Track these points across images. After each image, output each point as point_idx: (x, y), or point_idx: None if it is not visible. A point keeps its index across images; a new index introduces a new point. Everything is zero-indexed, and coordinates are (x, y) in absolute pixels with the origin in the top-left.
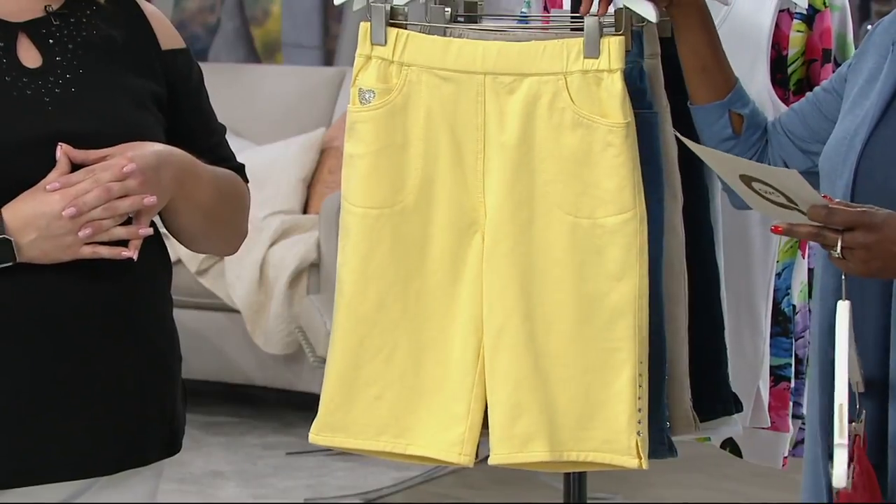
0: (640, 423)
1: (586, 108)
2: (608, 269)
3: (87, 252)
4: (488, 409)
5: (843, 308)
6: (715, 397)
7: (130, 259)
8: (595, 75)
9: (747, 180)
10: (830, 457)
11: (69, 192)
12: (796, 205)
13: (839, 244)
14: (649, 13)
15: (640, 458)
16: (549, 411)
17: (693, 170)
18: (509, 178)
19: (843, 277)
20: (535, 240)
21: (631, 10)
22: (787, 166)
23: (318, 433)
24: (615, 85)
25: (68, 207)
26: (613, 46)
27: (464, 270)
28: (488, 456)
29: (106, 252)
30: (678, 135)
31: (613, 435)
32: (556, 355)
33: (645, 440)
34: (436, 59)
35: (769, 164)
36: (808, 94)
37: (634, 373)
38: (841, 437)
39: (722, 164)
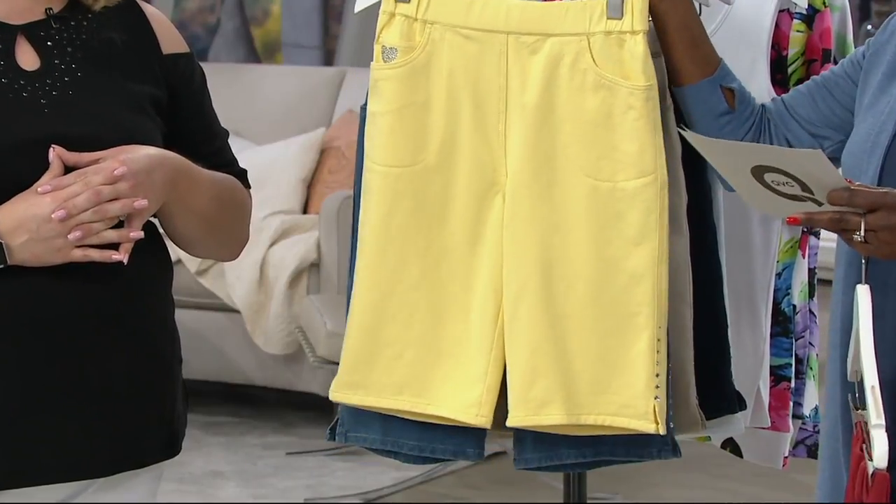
0: (657, 387)
1: (608, 70)
2: (628, 233)
3: (78, 255)
4: (507, 372)
5: (864, 291)
6: (719, 396)
7: (121, 262)
8: (618, 37)
9: (760, 172)
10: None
11: (60, 195)
12: (812, 193)
13: (862, 227)
14: None
15: (657, 422)
16: (567, 375)
17: (696, 168)
18: (531, 140)
19: (863, 262)
20: (556, 202)
21: None
22: (789, 144)
23: (338, 391)
24: (637, 47)
25: (58, 210)
26: (637, 7)
27: (484, 231)
28: (490, 455)
29: (96, 255)
30: (682, 130)
31: (630, 399)
32: (575, 319)
33: (663, 405)
34: (459, 17)
35: (769, 144)
36: (815, 77)
37: (653, 337)
38: (878, 419)
39: (735, 156)
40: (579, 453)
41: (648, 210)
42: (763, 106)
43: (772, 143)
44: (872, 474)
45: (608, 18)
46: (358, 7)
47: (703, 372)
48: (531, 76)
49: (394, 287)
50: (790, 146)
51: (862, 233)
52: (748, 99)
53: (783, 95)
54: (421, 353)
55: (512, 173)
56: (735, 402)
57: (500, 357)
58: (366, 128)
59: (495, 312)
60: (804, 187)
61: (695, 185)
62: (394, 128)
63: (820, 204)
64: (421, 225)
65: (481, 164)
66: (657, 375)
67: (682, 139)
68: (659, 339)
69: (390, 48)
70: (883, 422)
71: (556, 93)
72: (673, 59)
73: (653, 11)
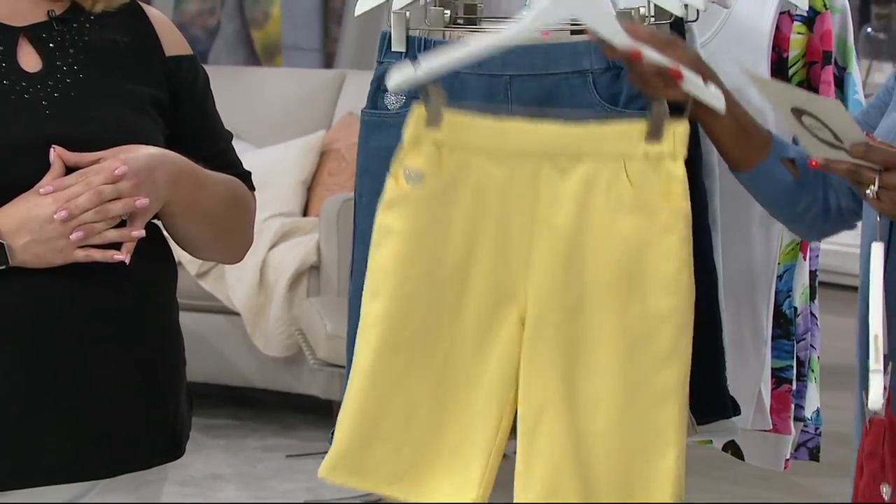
0: (680, 494)
1: (646, 192)
2: (657, 352)
3: (80, 255)
4: (521, 486)
5: (878, 248)
6: (713, 400)
7: (123, 262)
8: (657, 159)
9: (798, 114)
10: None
11: (61, 196)
12: (842, 144)
13: (876, 183)
14: (719, 104)
15: None
16: (590, 493)
17: (691, 172)
18: (560, 260)
19: (878, 218)
20: (583, 322)
21: (697, 95)
22: (852, 192)
23: (331, 472)
24: (678, 170)
25: (60, 211)
26: (679, 133)
27: (494, 344)
28: None
29: (98, 255)
30: (745, 68)
31: None
32: (599, 437)
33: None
34: (491, 141)
35: (837, 195)
36: (855, 113)
37: (680, 453)
38: (877, 364)
39: (777, 94)
40: None
41: (680, 329)
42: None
43: (837, 195)
44: (870, 420)
45: (647, 141)
46: (359, 10)
47: (697, 376)
48: (564, 197)
49: (397, 383)
50: (852, 191)
51: (875, 188)
52: (805, 161)
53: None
54: (419, 451)
55: (536, 292)
56: (729, 408)
57: (497, 460)
58: (377, 236)
59: (497, 422)
60: (835, 136)
61: (691, 187)
62: (409, 249)
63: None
64: (431, 329)
65: (498, 277)
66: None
67: None
68: (679, 457)
69: (416, 172)
70: (881, 367)
71: (589, 214)
72: (726, 151)
73: (698, 118)
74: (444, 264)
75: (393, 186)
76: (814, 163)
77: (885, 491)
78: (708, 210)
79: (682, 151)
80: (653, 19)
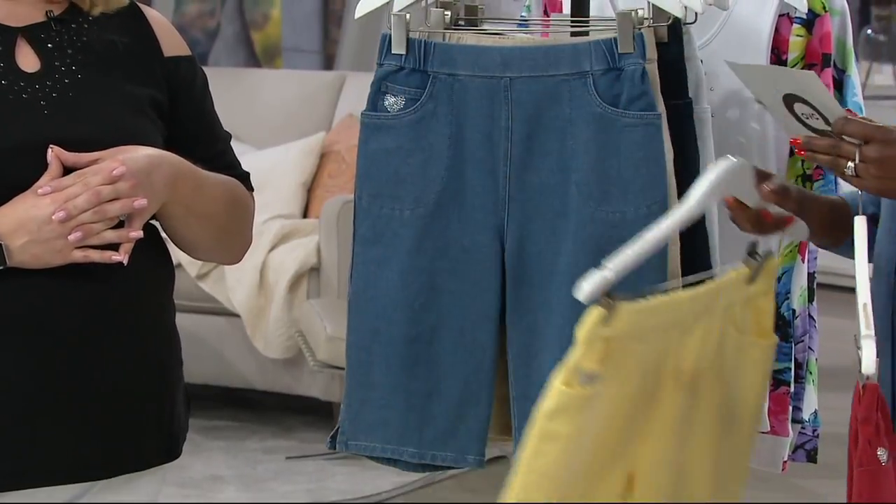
0: None
1: (743, 331)
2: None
3: (79, 256)
4: None
5: (861, 222)
6: None
7: (121, 263)
8: (753, 298)
9: (790, 102)
10: None
11: (59, 196)
12: (832, 130)
13: (856, 157)
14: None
15: None
16: None
17: (689, 174)
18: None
19: (860, 194)
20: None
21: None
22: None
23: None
24: (769, 306)
25: (58, 211)
26: (770, 267)
27: None
28: (491, 459)
29: (96, 256)
30: (730, 63)
31: None
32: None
33: None
34: (652, 319)
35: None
36: None
37: None
38: (868, 329)
39: (765, 82)
40: None
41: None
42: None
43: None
44: (863, 386)
45: (748, 285)
46: (359, 12)
47: None
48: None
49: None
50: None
51: (854, 164)
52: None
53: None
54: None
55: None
56: None
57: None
58: (539, 443)
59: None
60: (826, 121)
61: (686, 189)
62: (574, 448)
63: None
64: None
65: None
66: None
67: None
68: None
69: (591, 374)
70: (872, 333)
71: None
72: (817, 238)
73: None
74: (603, 454)
75: (563, 391)
76: (795, 141)
77: (882, 454)
78: (705, 212)
79: (773, 286)
80: (651, 21)
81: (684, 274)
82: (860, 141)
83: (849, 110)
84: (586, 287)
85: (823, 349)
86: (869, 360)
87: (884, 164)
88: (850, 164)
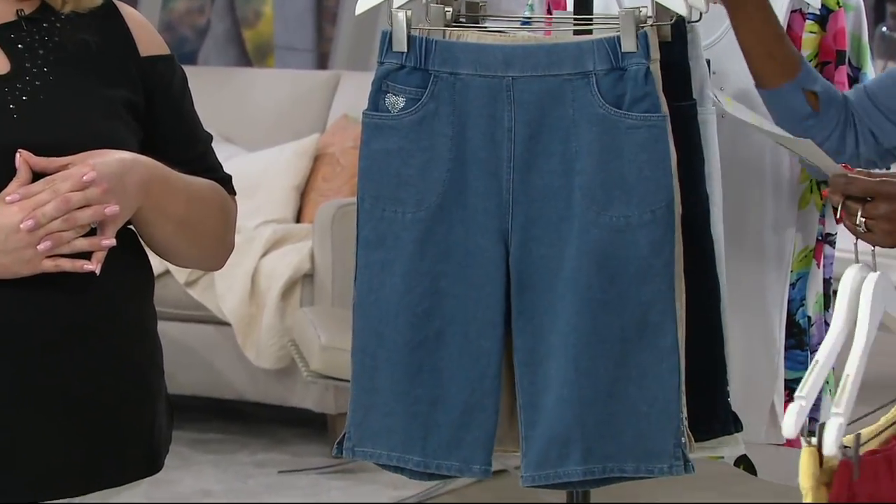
0: None
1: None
2: None
3: (49, 266)
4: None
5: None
6: (712, 416)
7: (93, 272)
8: None
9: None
10: None
11: (27, 204)
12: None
13: (859, 216)
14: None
15: None
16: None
17: (694, 177)
18: None
19: (854, 243)
20: None
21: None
22: (875, 139)
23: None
24: None
25: (26, 220)
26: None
27: None
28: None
29: (68, 265)
30: (715, 95)
31: None
32: None
33: None
34: None
35: (857, 138)
36: (867, 82)
37: None
38: (839, 408)
39: (756, 125)
40: (587, 470)
41: None
42: (846, 99)
43: (857, 139)
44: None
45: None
46: (359, 9)
47: (697, 390)
48: None
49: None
50: (875, 139)
51: (861, 221)
52: (834, 99)
53: (866, 84)
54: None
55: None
56: (731, 423)
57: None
58: None
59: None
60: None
61: (692, 194)
62: None
63: None
64: None
65: None
66: None
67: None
68: None
69: None
70: (844, 412)
71: None
72: (752, 64)
73: (732, 23)
74: None
75: None
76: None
77: None
78: (709, 218)
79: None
80: (654, 19)
81: (688, 283)
82: (863, 197)
83: (845, 165)
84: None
85: (842, 358)
86: (830, 440)
87: (892, 219)
88: (862, 221)
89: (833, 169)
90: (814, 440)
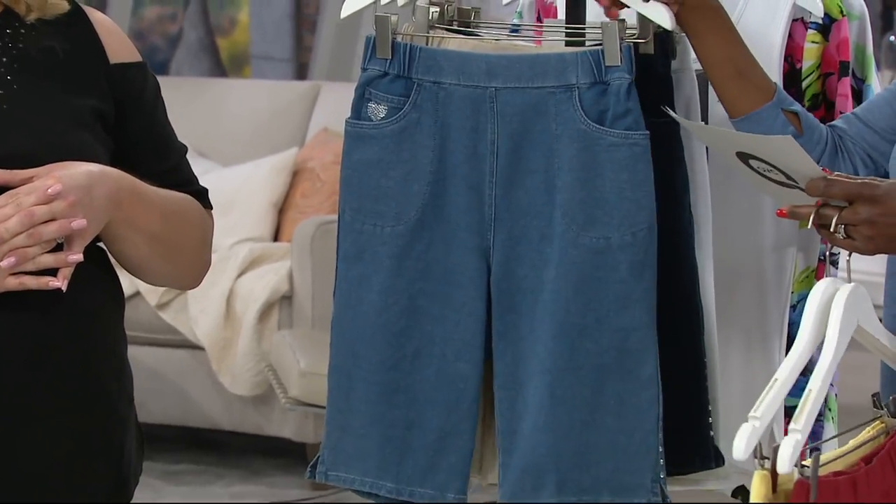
0: None
1: None
2: None
3: (13, 283)
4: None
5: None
6: (690, 449)
7: (60, 289)
8: None
9: (744, 158)
10: None
11: None
12: (796, 182)
13: (835, 221)
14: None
15: None
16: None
17: (674, 198)
18: None
19: (847, 259)
20: None
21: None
22: (874, 162)
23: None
24: None
25: None
26: None
27: None
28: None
29: (32, 283)
30: (668, 109)
31: None
32: None
33: None
34: None
35: (853, 165)
36: (890, 85)
37: None
38: (797, 424)
39: (718, 140)
40: (561, 503)
41: None
42: (832, 126)
43: (851, 162)
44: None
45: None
46: (345, 12)
47: (676, 422)
48: None
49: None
50: (872, 160)
51: (840, 227)
52: (813, 121)
53: (854, 110)
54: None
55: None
56: (710, 458)
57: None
58: None
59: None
60: (787, 175)
61: (671, 216)
62: None
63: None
64: None
65: None
66: None
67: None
68: None
69: None
70: (802, 430)
71: None
72: (724, 89)
73: (694, 49)
74: None
75: None
76: (781, 213)
77: None
78: (692, 240)
79: None
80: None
81: (668, 309)
82: (844, 202)
83: (825, 169)
84: (740, 446)
85: (843, 384)
86: (784, 458)
87: (874, 224)
88: (841, 227)
89: (813, 171)
90: (767, 463)
